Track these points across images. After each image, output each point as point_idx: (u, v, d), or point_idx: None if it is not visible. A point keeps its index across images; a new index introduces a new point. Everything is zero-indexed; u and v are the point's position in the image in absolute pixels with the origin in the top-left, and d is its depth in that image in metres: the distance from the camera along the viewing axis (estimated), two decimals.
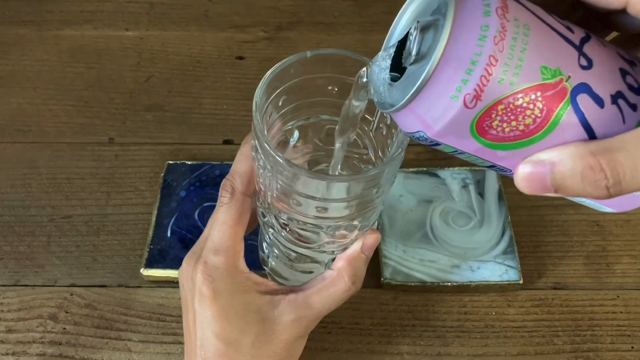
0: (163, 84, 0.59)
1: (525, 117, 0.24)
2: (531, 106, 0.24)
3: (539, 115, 0.24)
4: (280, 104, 0.34)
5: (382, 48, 0.28)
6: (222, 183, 0.36)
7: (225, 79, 0.60)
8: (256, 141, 0.31)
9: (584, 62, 0.24)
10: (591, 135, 0.24)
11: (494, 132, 0.24)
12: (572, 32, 0.25)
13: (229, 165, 0.38)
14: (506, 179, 0.51)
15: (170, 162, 0.52)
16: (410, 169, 0.51)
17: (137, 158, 0.54)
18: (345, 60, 0.33)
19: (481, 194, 0.50)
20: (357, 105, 0.31)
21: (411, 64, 0.25)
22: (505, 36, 0.23)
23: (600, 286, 0.47)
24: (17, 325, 0.44)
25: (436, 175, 0.51)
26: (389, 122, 0.34)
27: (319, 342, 0.44)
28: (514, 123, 0.24)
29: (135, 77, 0.60)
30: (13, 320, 0.45)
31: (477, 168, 0.51)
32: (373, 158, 0.36)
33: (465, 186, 0.50)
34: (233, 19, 0.65)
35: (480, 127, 0.24)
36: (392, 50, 0.27)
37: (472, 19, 0.23)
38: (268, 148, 0.30)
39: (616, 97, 0.25)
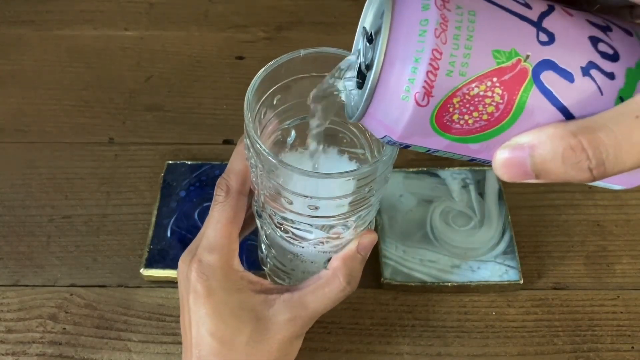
0: (163, 84, 0.59)
1: (486, 106, 0.23)
2: (489, 93, 0.22)
3: (501, 101, 0.23)
4: (274, 102, 0.34)
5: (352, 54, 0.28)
6: (217, 182, 0.36)
7: (225, 79, 0.60)
8: (247, 139, 0.31)
9: (544, 38, 0.23)
10: (567, 114, 0.23)
11: (457, 126, 0.23)
12: (530, 7, 0.23)
13: None
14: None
15: (170, 162, 0.52)
16: (410, 169, 0.51)
17: (137, 158, 0.54)
18: (339, 59, 0.33)
19: (481, 194, 0.50)
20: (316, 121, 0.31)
21: (367, 71, 0.25)
22: (447, 27, 0.22)
23: (600, 286, 0.47)
24: (17, 325, 0.44)
25: (436, 175, 0.51)
26: None
27: (319, 342, 0.44)
28: (475, 114, 0.23)
29: (135, 77, 0.60)
30: (13, 320, 0.45)
31: (478, 168, 0.51)
32: (369, 158, 0.36)
33: (465, 186, 0.50)
34: (233, 19, 0.65)
35: (442, 123, 0.23)
36: (353, 60, 0.26)
37: (410, 16, 0.23)
38: (258, 145, 0.30)
39: (588, 68, 0.23)
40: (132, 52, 0.62)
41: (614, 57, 0.23)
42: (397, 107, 0.23)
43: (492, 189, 0.50)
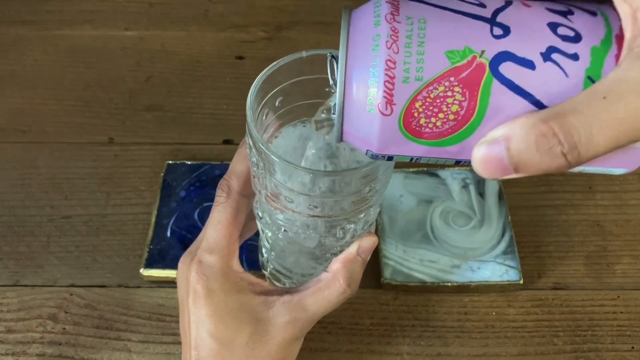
0: (163, 84, 0.59)
1: (450, 106, 0.23)
2: (450, 93, 0.23)
3: (463, 99, 0.23)
4: (276, 104, 0.34)
5: None
6: (219, 183, 0.36)
7: (225, 79, 0.60)
8: (249, 138, 0.31)
9: (498, 32, 0.23)
10: (536, 102, 0.23)
11: (427, 130, 0.24)
12: (484, 6, 0.24)
13: (229, 165, 0.38)
14: (506, 179, 0.51)
15: (170, 162, 0.52)
16: (411, 169, 0.51)
17: (137, 158, 0.54)
18: None
19: (481, 194, 0.50)
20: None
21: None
22: (397, 37, 0.23)
23: (600, 286, 0.47)
24: (17, 326, 0.44)
25: (436, 175, 0.51)
26: None
27: (319, 342, 0.44)
28: (441, 115, 0.24)
29: (135, 77, 0.60)
30: (13, 320, 0.45)
31: None
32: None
33: (465, 186, 0.50)
34: (233, 19, 0.65)
35: (411, 129, 0.24)
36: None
37: (364, 34, 0.24)
38: (260, 143, 0.30)
39: (548, 53, 0.23)
40: (132, 52, 0.62)
41: (575, 39, 0.24)
42: (366, 121, 0.24)
43: (492, 189, 0.50)
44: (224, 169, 0.51)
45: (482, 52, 0.23)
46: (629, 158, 0.26)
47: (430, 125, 0.24)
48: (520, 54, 0.23)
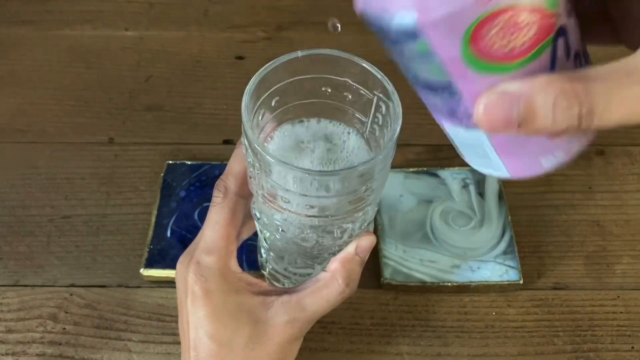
0: (163, 84, 0.59)
1: (518, 37, 0.23)
2: (527, 28, 0.23)
3: (529, 40, 0.23)
4: (273, 104, 0.34)
5: None
6: (216, 183, 0.36)
7: (225, 79, 0.60)
8: (245, 138, 0.31)
9: (567, 10, 0.24)
10: None
11: (483, 43, 0.23)
12: None
13: None
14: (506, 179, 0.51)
15: (170, 162, 0.52)
16: (410, 169, 0.51)
17: (137, 158, 0.54)
18: (338, 61, 0.33)
19: (481, 194, 0.50)
20: None
21: None
22: None
23: (600, 286, 0.47)
24: (17, 326, 0.44)
25: (436, 175, 0.51)
26: (380, 122, 0.34)
27: (319, 342, 0.44)
28: (505, 40, 0.23)
29: (135, 77, 0.60)
30: (13, 320, 0.45)
31: None
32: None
33: (465, 186, 0.50)
34: (233, 19, 0.65)
35: (477, 31, 0.23)
36: None
37: None
38: (255, 144, 0.30)
39: (577, 56, 0.24)
40: (132, 52, 0.62)
41: (587, 61, 0.26)
42: None
43: (492, 189, 0.50)
44: (223, 169, 0.51)
45: (559, 15, 0.23)
46: (523, 163, 0.27)
47: (491, 42, 0.23)
48: (569, 39, 0.24)
